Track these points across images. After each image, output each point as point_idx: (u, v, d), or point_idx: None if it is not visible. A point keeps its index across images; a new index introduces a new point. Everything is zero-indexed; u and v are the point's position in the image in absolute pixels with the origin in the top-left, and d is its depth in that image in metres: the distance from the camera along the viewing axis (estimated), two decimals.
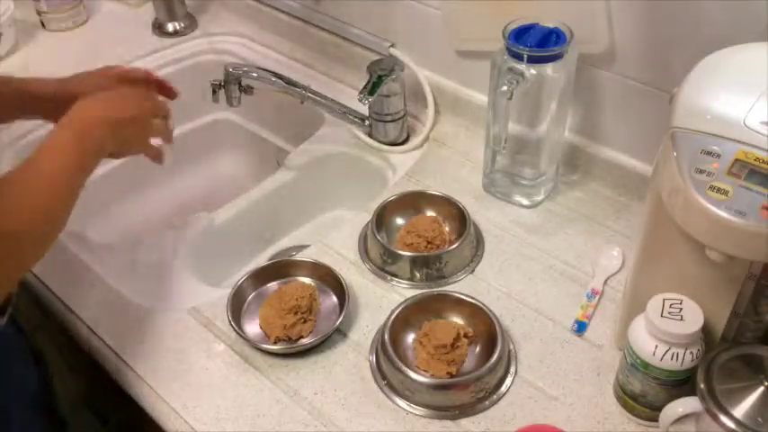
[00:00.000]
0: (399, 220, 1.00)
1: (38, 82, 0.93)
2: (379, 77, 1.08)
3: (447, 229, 0.98)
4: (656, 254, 0.73)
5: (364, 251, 0.97)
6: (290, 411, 0.80)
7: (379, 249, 0.94)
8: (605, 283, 0.91)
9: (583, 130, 1.05)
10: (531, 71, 0.90)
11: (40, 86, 0.92)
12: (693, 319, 0.70)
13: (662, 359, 0.70)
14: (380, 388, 0.81)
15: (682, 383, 0.72)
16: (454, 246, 0.93)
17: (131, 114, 0.84)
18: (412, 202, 1.01)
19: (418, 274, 0.93)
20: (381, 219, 0.99)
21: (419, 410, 0.79)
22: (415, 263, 0.93)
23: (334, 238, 1.00)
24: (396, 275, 0.94)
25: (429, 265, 0.93)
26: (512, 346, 0.84)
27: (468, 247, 0.95)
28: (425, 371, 0.81)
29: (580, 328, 0.86)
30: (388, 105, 1.12)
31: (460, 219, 0.97)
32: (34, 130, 1.20)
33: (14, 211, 0.68)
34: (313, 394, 0.81)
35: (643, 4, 0.89)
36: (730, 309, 0.71)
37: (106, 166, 1.29)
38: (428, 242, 0.95)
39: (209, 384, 0.83)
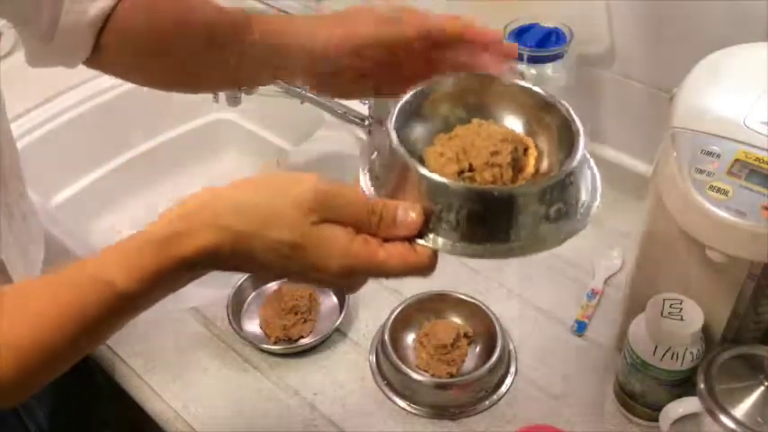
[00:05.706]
0: None
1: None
2: None
3: None
4: (656, 254, 0.73)
5: None
6: (290, 411, 0.80)
7: None
8: (605, 283, 0.91)
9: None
10: (531, 71, 0.90)
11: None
12: (693, 319, 0.70)
13: (662, 359, 0.70)
14: (380, 388, 0.81)
15: (682, 383, 0.72)
16: None
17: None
18: None
19: None
20: None
21: (419, 410, 0.79)
22: None
23: None
24: None
25: None
26: (512, 346, 0.84)
27: None
28: (425, 371, 0.81)
29: (580, 328, 0.86)
30: (388, 106, 1.11)
31: None
32: (33, 131, 1.20)
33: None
34: (313, 394, 0.81)
35: (643, 4, 0.89)
36: (730, 309, 0.71)
37: (105, 167, 1.30)
38: None
39: (209, 384, 0.83)
